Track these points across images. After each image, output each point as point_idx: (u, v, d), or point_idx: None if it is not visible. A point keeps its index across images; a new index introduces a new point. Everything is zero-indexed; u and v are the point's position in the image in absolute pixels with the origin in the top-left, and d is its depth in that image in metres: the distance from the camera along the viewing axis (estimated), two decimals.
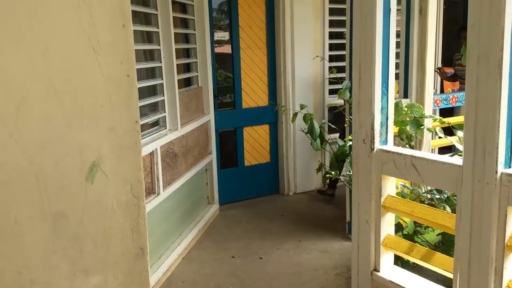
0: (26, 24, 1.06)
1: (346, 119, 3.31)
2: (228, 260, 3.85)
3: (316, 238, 4.28)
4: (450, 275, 2.15)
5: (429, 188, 3.22)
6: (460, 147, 3.21)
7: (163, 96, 3.88)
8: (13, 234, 1.10)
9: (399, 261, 2.70)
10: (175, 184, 3.95)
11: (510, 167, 1.88)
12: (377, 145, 2.38)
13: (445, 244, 3.11)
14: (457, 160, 2.09)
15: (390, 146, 2.41)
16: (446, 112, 5.50)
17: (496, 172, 1.84)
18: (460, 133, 3.33)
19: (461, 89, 5.72)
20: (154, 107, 3.91)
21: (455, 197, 3.17)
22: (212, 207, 4.74)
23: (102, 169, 1.18)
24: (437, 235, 3.23)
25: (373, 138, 2.36)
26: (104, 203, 1.20)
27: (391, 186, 2.44)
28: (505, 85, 1.80)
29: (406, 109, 3.16)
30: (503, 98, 1.80)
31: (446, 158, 2.16)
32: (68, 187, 1.15)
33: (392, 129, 2.45)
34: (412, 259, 2.35)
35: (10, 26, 1.04)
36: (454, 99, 4.26)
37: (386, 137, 2.41)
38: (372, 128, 2.35)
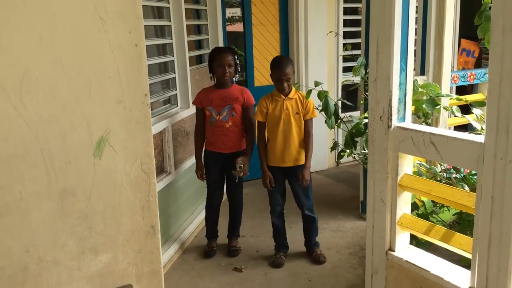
0: None
1: (362, 96, 3.23)
2: (240, 239, 3.83)
3: (329, 217, 4.24)
4: (468, 255, 2.10)
5: (444, 166, 3.15)
6: (477, 125, 3.12)
7: (174, 73, 3.82)
8: (19, 211, 1.07)
9: (414, 240, 2.65)
10: (187, 163, 3.92)
11: None
12: (395, 122, 2.30)
13: (461, 224, 3.05)
14: (478, 137, 2.01)
15: (408, 123, 2.34)
16: (462, 89, 5.38)
17: None
18: (476, 111, 3.24)
19: (484, 65, 5.55)
20: (165, 85, 3.85)
21: (471, 176, 3.10)
22: (224, 186, 4.70)
23: (110, 144, 1.13)
24: (453, 214, 3.17)
25: (391, 115, 2.29)
26: (113, 179, 1.15)
27: (408, 164, 2.38)
28: None
29: (421, 89, 3.06)
30: None
31: (466, 135, 2.08)
32: (76, 163, 1.10)
33: (410, 106, 2.37)
34: (429, 239, 2.29)
35: None
36: (472, 76, 4.15)
37: (404, 114, 2.34)
38: (390, 105, 2.28)
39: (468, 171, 3.54)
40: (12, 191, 1.04)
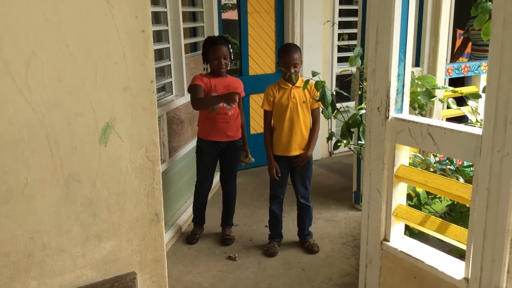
0: None
1: (360, 86, 3.23)
2: (233, 227, 3.83)
3: (322, 208, 4.26)
4: (462, 246, 2.12)
5: (438, 158, 3.17)
6: (472, 117, 3.14)
7: (170, 60, 3.79)
8: (24, 197, 1.06)
9: (406, 231, 2.68)
10: (181, 151, 3.91)
11: None
12: (392, 113, 2.31)
13: (454, 216, 3.08)
14: (476, 129, 2.03)
15: (406, 115, 2.35)
16: (452, 81, 5.39)
17: None
18: (472, 103, 3.25)
19: (474, 56, 5.57)
20: (160, 72, 3.82)
21: (464, 168, 3.12)
22: (217, 175, 4.69)
23: (116, 131, 1.12)
24: (446, 206, 3.20)
25: (388, 106, 2.29)
26: (118, 167, 1.14)
27: (404, 155, 2.39)
28: None
29: (418, 81, 3.07)
30: None
31: (464, 127, 2.09)
32: (81, 149, 1.09)
33: (408, 97, 2.38)
34: (425, 230, 2.31)
35: None
36: (466, 69, 4.16)
37: (402, 105, 2.34)
38: (388, 96, 2.28)
39: (460, 163, 3.57)
40: (17, 177, 1.03)
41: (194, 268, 3.36)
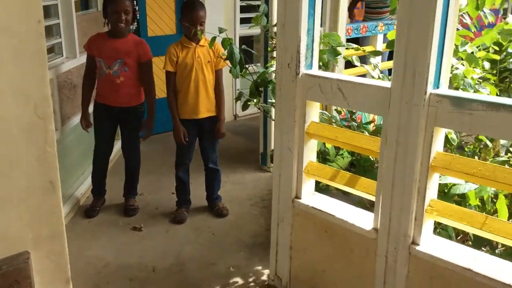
0: None
1: (271, 43, 3.15)
2: (137, 197, 3.64)
3: (229, 171, 4.20)
4: (371, 198, 2.17)
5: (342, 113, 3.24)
6: (375, 74, 3.22)
7: (58, 19, 3.41)
8: None
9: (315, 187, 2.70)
10: (75, 119, 3.59)
11: (438, 88, 1.86)
12: (303, 70, 2.26)
13: (356, 171, 3.18)
14: (385, 82, 2.04)
15: (316, 71, 2.31)
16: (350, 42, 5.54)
17: (425, 93, 1.82)
18: (373, 61, 3.34)
19: (368, 18, 5.75)
20: (48, 32, 3.43)
21: (364, 125, 3.22)
22: (118, 143, 4.41)
23: None
24: (349, 162, 3.29)
25: (299, 62, 2.24)
26: (1, 127, 0.94)
27: (315, 112, 2.37)
28: (440, 3, 1.74)
29: (323, 38, 3.06)
30: (437, 16, 1.74)
31: (373, 81, 2.10)
32: None
33: (318, 53, 2.34)
34: (335, 185, 2.33)
35: None
36: (364, 29, 4.27)
37: (312, 61, 2.30)
38: (298, 52, 2.22)
39: (359, 121, 3.68)
40: None
41: (96, 242, 3.15)
